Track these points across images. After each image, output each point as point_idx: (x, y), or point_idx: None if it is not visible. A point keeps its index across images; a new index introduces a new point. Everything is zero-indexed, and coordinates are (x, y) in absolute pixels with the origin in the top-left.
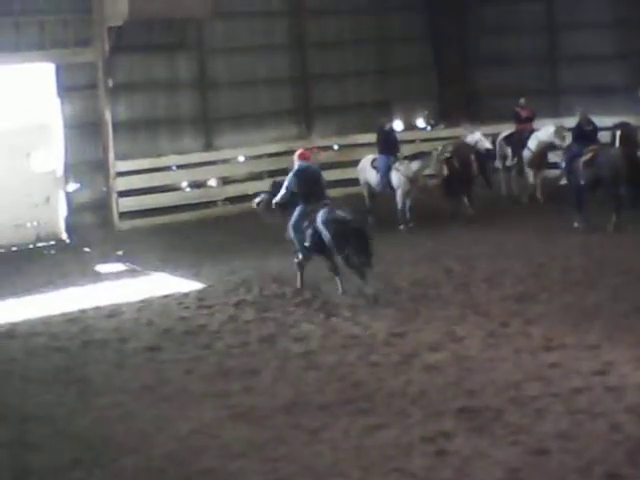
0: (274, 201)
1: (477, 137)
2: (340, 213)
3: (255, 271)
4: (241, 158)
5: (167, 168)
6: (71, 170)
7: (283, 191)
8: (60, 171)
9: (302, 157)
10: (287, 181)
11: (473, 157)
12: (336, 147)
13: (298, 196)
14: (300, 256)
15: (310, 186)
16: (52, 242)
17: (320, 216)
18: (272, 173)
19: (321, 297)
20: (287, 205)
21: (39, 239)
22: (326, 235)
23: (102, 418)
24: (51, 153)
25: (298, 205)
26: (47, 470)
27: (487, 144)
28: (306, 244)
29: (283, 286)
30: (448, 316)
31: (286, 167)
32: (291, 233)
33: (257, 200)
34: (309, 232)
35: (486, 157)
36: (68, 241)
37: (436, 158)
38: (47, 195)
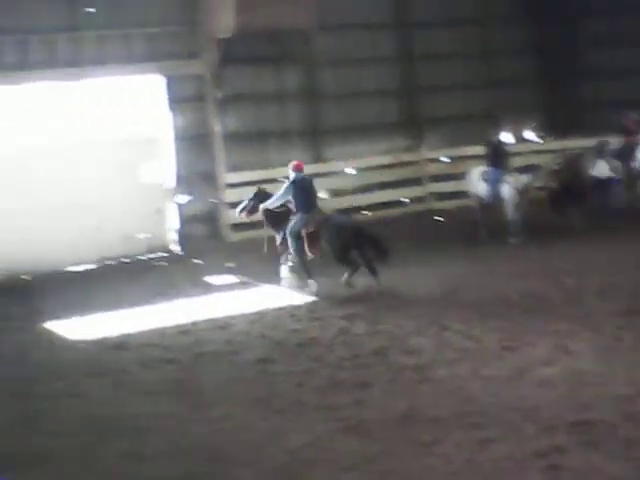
0: (262, 206)
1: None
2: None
3: (366, 283)
4: (350, 170)
5: (276, 180)
6: (181, 182)
7: (278, 199)
8: (170, 183)
9: (297, 168)
10: (284, 190)
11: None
12: (445, 159)
13: (295, 204)
14: (295, 260)
15: (307, 195)
16: (163, 254)
17: (336, 220)
18: (382, 185)
19: (432, 310)
20: (271, 214)
21: (150, 250)
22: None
23: (214, 430)
24: (161, 165)
25: (296, 213)
26: None
27: (607, 172)
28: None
29: (394, 298)
30: (560, 330)
31: (396, 179)
32: (288, 238)
33: (240, 208)
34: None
35: (603, 184)
36: (179, 253)
37: (546, 171)
38: (157, 207)
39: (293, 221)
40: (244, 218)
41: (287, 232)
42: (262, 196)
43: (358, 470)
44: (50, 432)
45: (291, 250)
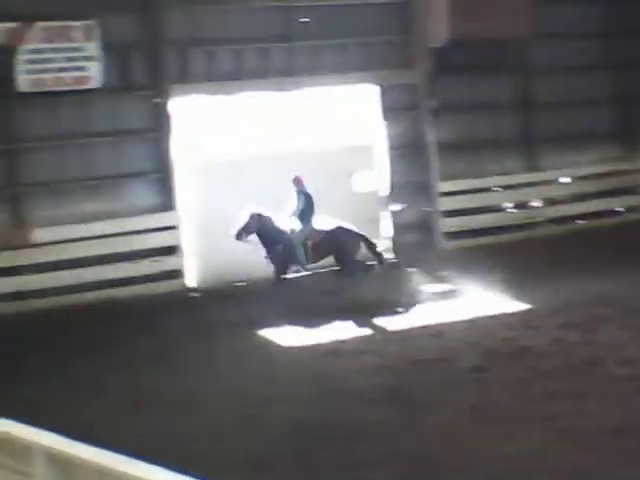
0: (289, 216)
1: None
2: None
3: (580, 292)
4: (565, 179)
5: (489, 189)
6: (395, 190)
7: (297, 209)
8: (384, 191)
9: (300, 183)
10: (297, 201)
11: None
12: None
13: (300, 215)
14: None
15: (311, 207)
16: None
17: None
18: (597, 195)
19: None
20: (264, 234)
21: (364, 259)
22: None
23: (429, 437)
24: (375, 173)
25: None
26: None
27: None
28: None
29: (608, 307)
30: None
31: (610, 188)
32: (296, 246)
33: (237, 228)
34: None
35: None
36: (393, 261)
37: None
38: (371, 215)
39: (298, 231)
40: (239, 240)
41: (294, 241)
42: (258, 218)
43: None
44: (265, 437)
45: (298, 258)
